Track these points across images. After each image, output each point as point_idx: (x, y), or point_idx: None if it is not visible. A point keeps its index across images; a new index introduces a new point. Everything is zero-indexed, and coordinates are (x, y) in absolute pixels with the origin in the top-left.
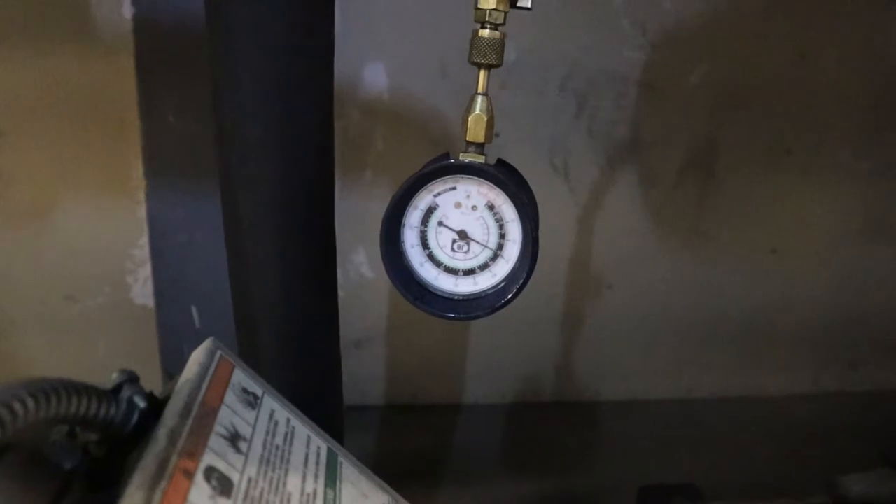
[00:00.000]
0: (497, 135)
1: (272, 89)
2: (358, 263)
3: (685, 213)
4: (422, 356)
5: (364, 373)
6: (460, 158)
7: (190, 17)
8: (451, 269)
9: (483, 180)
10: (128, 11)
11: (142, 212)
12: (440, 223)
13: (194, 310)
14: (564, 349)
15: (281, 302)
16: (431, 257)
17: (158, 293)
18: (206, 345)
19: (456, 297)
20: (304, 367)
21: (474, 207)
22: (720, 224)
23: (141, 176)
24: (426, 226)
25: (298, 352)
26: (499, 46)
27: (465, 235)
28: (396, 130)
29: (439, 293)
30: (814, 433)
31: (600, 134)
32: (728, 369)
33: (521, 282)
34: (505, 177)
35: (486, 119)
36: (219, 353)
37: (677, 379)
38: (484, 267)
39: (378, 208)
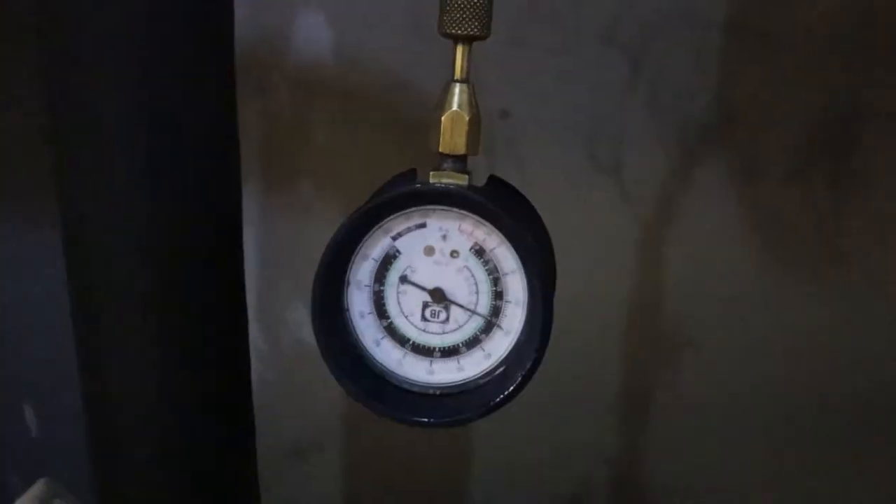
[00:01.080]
0: (506, 114)
1: (136, 66)
2: (294, 325)
3: (808, 226)
4: (397, 468)
5: (309, 498)
6: (431, 181)
7: None
8: (423, 347)
9: (466, 213)
10: None
11: None
12: (404, 279)
13: (28, 410)
14: (624, 448)
15: (155, 400)
16: (392, 331)
17: None
18: (37, 490)
19: (431, 391)
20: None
21: (454, 254)
22: (865, 241)
23: None
24: (382, 283)
25: (185, 479)
26: (481, 8)
27: (441, 296)
28: (347, 115)
29: (406, 385)
30: None
31: (667, 108)
32: (883, 474)
33: (529, 364)
34: (500, 206)
35: (467, 119)
36: (57, 502)
37: (798, 490)
38: (472, 343)
39: (321, 238)
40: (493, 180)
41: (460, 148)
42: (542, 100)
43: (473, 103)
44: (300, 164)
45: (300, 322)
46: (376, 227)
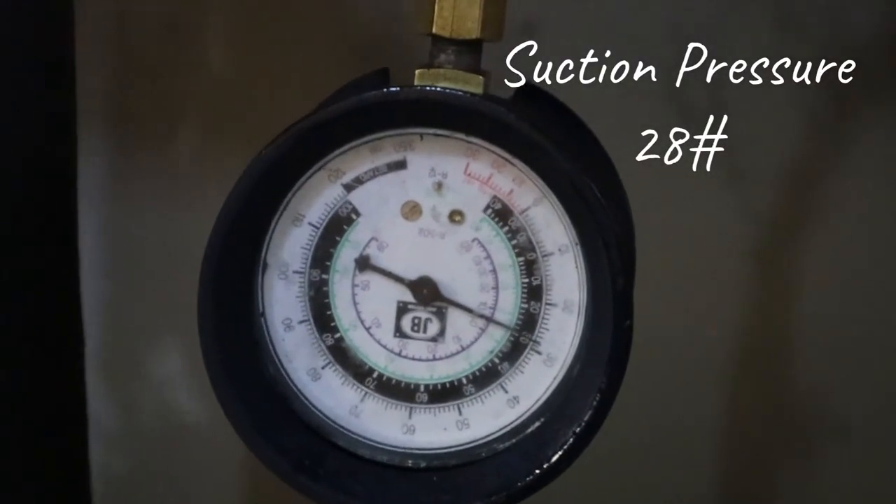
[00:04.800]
0: (530, 27)
1: None
2: (161, 382)
3: None
4: None
5: None
6: (417, 84)
7: None
8: (398, 385)
9: (480, 143)
10: None
11: None
12: (365, 263)
13: None
14: None
15: None
16: (342, 354)
17: None
18: None
19: (410, 463)
20: None
21: (456, 217)
22: None
23: None
24: (326, 269)
25: None
26: None
27: (432, 293)
28: (259, 22)
29: (366, 451)
30: None
31: (811, 21)
32: None
33: (587, 416)
34: (543, 131)
35: None
36: None
37: None
38: (486, 378)
39: (210, 225)
40: (528, 91)
41: (470, 27)
42: (589, 3)
43: None
44: (181, 103)
45: (171, 376)
46: (316, 165)
